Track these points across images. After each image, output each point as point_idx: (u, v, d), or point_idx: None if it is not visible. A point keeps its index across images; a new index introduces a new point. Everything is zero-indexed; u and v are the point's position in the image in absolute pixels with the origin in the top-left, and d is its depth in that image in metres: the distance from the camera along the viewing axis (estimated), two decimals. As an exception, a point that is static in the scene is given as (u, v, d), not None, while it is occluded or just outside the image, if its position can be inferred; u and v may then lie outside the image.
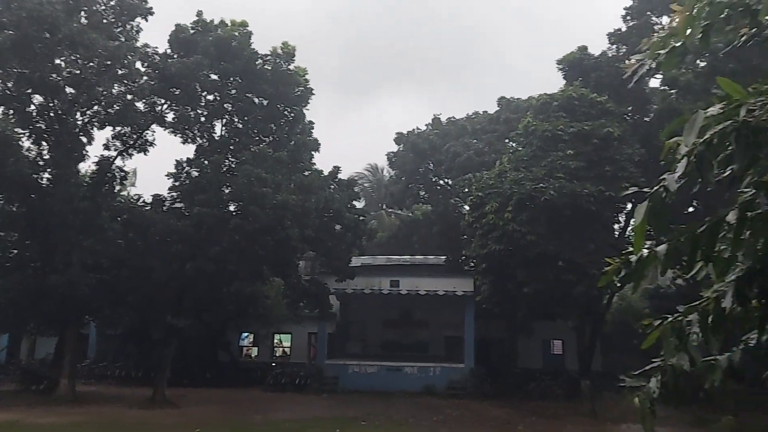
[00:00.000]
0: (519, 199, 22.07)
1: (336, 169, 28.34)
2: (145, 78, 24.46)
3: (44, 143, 24.30)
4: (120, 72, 23.90)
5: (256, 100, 25.33)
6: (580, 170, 22.59)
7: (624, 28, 27.20)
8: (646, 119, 26.48)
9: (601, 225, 23.16)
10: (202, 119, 25.24)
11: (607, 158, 23.14)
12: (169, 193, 24.35)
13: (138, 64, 24.55)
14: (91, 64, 23.52)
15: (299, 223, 23.02)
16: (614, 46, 27.67)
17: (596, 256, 22.12)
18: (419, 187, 35.61)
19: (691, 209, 25.63)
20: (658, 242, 2.79)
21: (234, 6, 68.95)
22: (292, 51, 25.58)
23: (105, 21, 24.53)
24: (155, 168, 51.61)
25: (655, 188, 2.55)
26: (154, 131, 25.24)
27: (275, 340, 35.18)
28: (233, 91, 25.12)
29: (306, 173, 25.69)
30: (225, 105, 25.31)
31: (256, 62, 24.94)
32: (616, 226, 26.31)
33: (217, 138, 25.31)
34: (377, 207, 50.93)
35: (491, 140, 32.33)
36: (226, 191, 23.60)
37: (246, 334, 35.02)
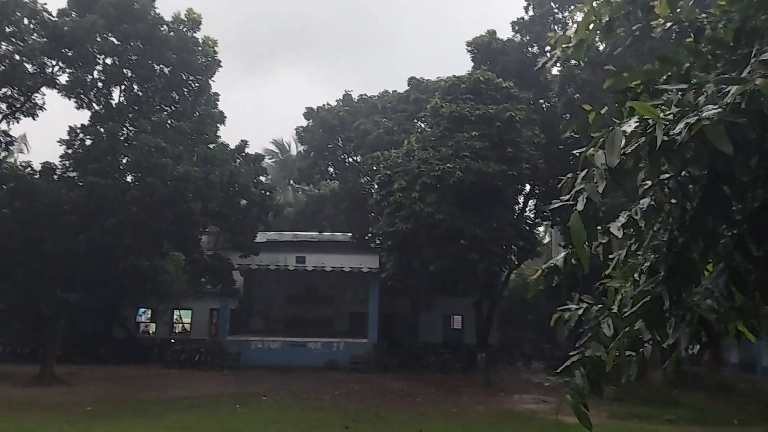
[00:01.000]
0: (426, 179, 22.52)
1: (243, 143, 27.72)
2: (34, 36, 22.77)
3: None
4: (8, 30, 22.10)
5: (158, 68, 24.19)
6: (485, 150, 23.33)
7: (526, 17, 28.17)
8: (546, 105, 27.64)
9: (502, 204, 24.07)
10: (99, 84, 23.84)
11: (510, 140, 24.01)
12: (60, 161, 22.89)
13: (26, 21, 22.79)
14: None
15: (202, 197, 22.38)
16: (518, 35, 28.63)
17: (498, 234, 23.05)
18: (328, 163, 35.49)
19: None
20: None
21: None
22: (198, 19, 24.63)
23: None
24: (48, 135, 48.50)
25: (584, 203, 2.70)
26: (44, 94, 23.62)
27: (175, 316, 34.17)
28: (134, 57, 23.82)
29: (210, 146, 24.94)
30: (124, 70, 23.99)
31: (160, 27, 23.82)
32: (516, 208, 27.43)
33: (114, 105, 24.04)
34: (284, 183, 50.37)
35: (401, 119, 32.65)
36: (123, 161, 22.51)
37: (143, 309, 33.77)
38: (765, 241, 2.88)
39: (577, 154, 2.98)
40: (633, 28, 3.54)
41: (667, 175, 2.98)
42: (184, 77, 24.53)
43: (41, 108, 23.58)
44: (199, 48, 24.56)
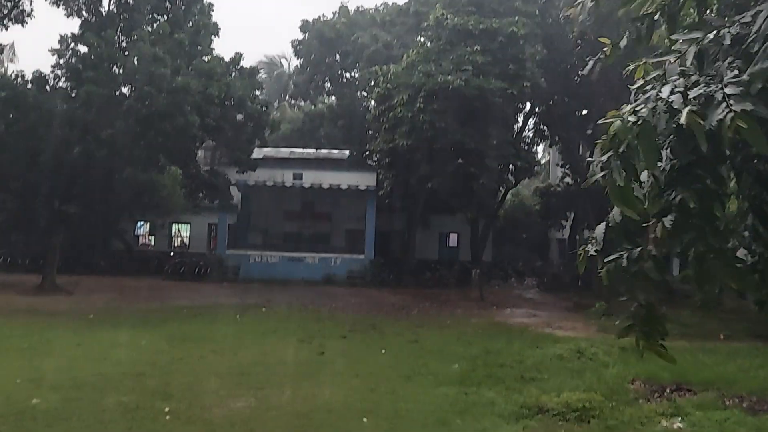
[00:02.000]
0: (430, 90, 22.14)
1: (238, 56, 26.97)
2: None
3: None
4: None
5: (150, -27, 23.26)
6: (486, 65, 22.86)
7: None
8: (550, 20, 26.81)
9: (502, 121, 23.83)
10: (88, -10, 22.98)
11: (511, 56, 23.49)
12: (52, 71, 22.39)
13: None
14: None
15: (200, 111, 22.01)
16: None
17: (496, 152, 22.97)
18: (325, 78, 34.81)
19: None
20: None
21: None
22: None
23: None
24: (40, 47, 47.22)
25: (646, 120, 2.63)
26: (32, 1, 22.80)
27: (173, 230, 34.53)
28: (123, -40, 22.88)
29: (205, 58, 24.32)
30: (114, -25, 23.09)
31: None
32: (515, 127, 27.21)
33: (104, 13, 23.24)
34: (279, 99, 49.55)
35: (400, 33, 31.77)
36: (117, 72, 21.96)
37: (142, 223, 34.06)
38: None
39: (633, 89, 2.93)
40: None
41: None
42: (176, -16, 23.64)
43: (29, 15, 22.83)
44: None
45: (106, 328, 15.47)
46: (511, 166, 25.17)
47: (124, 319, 17.17)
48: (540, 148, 37.59)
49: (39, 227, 25.90)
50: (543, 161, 41.02)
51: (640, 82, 2.96)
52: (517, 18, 24.02)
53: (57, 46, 22.23)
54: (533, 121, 29.32)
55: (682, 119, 2.48)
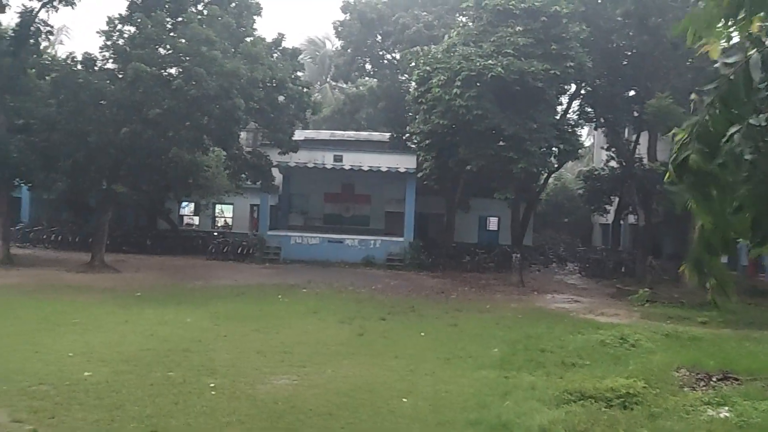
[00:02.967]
0: (467, 75, 21.84)
1: (280, 37, 27.10)
2: None
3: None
4: None
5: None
6: (528, 47, 22.39)
7: None
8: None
9: (545, 104, 23.37)
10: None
11: (555, 36, 22.97)
12: (101, 52, 22.84)
13: None
14: None
15: (245, 94, 22.18)
16: None
17: (538, 135, 22.56)
18: (366, 60, 34.71)
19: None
20: None
21: None
22: None
23: None
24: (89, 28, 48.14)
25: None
26: (80, -17, 23.24)
27: (217, 211, 35.17)
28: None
29: (248, 39, 24.46)
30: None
31: None
32: (558, 108, 26.65)
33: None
34: (320, 81, 49.68)
35: (441, 13, 31.42)
36: (163, 52, 22.25)
37: (186, 203, 34.79)
38: None
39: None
40: None
41: None
42: (220, -35, 23.74)
43: (78, -5, 23.30)
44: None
45: (152, 306, 15.90)
46: (554, 149, 24.69)
47: (170, 297, 17.61)
48: (584, 131, 36.84)
49: (88, 206, 26.67)
50: (587, 144, 40.21)
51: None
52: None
53: (105, 28, 22.63)
54: (578, 103, 28.70)
55: None
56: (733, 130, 2.88)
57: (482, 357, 11.81)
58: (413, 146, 28.64)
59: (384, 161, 29.45)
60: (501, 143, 22.45)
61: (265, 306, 16.81)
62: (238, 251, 28.19)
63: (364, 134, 36.38)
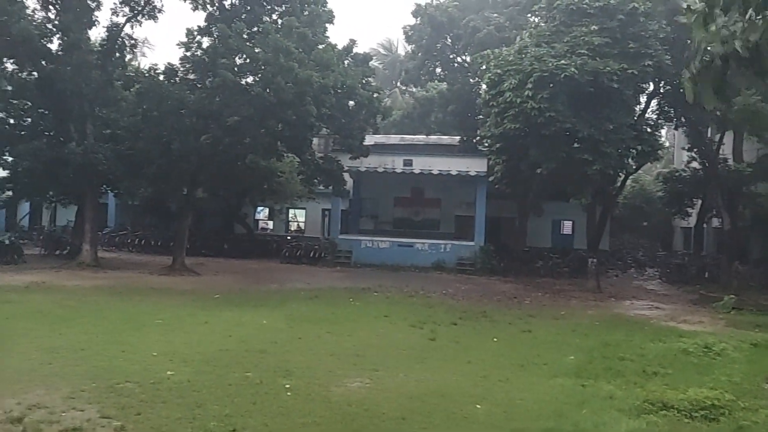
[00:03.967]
0: (539, 77, 21.46)
1: (351, 43, 27.41)
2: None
3: (51, 7, 23.64)
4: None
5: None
6: (604, 47, 21.79)
7: None
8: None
9: (621, 104, 22.66)
10: (213, -15, 24.21)
11: (632, 34, 22.26)
12: (181, 63, 23.83)
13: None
14: None
15: (317, 101, 22.63)
16: None
17: (614, 136, 21.88)
18: (436, 63, 34.62)
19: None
20: None
21: None
22: None
23: None
24: (168, 40, 50.50)
25: None
26: (162, -3, 24.35)
27: (290, 215, 36.01)
28: (244, -43, 23.86)
29: (320, 46, 24.91)
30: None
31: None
32: (636, 108, 25.80)
33: (227, 6, 24.42)
34: (391, 85, 49.99)
35: (512, 14, 31.00)
36: (239, 62, 22.98)
37: (261, 208, 35.80)
38: None
39: None
40: None
41: None
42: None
43: (160, 10, 24.44)
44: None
45: (230, 308, 16.39)
46: (631, 150, 23.89)
47: (246, 299, 18.11)
48: (664, 131, 35.47)
49: (169, 212, 27.79)
50: (667, 145, 38.69)
51: None
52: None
53: (184, 39, 23.60)
54: (657, 102, 27.66)
55: None
56: None
57: (557, 364, 11.55)
58: (484, 149, 28.38)
59: (454, 165, 29.34)
60: (575, 145, 21.93)
61: (338, 309, 17.02)
62: (311, 255, 28.72)
63: (433, 138, 36.34)
